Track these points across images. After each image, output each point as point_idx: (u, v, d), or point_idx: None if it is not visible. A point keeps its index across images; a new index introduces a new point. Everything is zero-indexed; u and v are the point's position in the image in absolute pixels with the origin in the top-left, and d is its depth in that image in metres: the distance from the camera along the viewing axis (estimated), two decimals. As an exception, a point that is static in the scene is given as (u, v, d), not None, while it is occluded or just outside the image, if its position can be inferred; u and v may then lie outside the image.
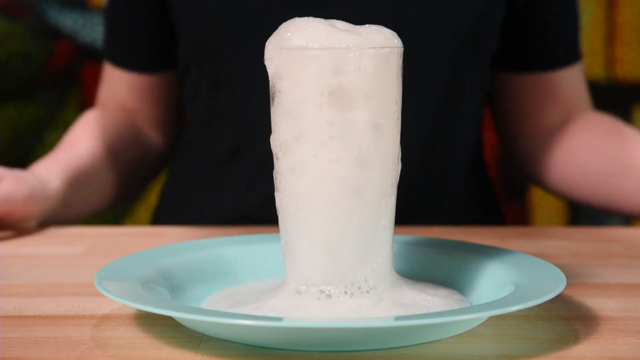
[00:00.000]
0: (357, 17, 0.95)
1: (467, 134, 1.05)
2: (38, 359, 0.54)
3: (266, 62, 0.59)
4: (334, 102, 0.57)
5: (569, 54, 1.07)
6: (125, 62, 1.10)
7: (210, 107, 1.03)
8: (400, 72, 0.60)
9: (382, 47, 0.58)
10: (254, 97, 0.99)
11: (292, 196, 0.59)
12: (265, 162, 1.01)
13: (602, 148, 1.02)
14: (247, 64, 0.98)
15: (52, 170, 0.96)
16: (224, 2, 0.98)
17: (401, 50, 0.59)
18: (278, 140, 0.60)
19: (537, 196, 1.66)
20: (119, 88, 1.11)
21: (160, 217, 1.12)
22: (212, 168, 1.05)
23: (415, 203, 1.01)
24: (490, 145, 1.64)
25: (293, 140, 0.58)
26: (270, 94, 0.59)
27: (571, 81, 1.07)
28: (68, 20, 1.60)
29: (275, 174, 0.61)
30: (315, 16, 0.94)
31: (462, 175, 1.06)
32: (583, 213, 1.63)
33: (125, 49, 1.10)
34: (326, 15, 0.95)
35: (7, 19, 1.61)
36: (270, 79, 0.59)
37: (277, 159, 0.60)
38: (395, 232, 0.63)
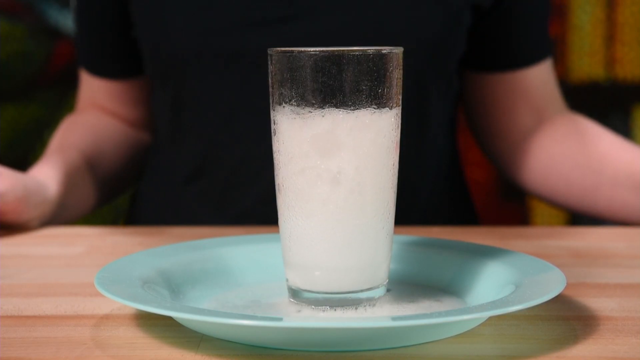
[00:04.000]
0: (318, 36, 0.95)
1: (437, 141, 1.04)
2: (38, 359, 0.54)
3: None
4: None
5: (538, 51, 1.06)
6: (98, 70, 1.10)
7: (173, 124, 1.03)
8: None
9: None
10: (215, 116, 0.99)
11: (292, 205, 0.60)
12: (229, 183, 1.01)
13: (582, 159, 1.02)
14: (208, 84, 0.98)
15: (49, 173, 0.96)
16: (183, 22, 0.97)
17: None
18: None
19: (537, 196, 1.66)
20: (97, 93, 1.11)
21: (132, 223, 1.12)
22: (176, 185, 1.05)
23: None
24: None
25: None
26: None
27: (541, 79, 1.06)
28: (68, 20, 1.60)
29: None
30: (278, 34, 0.94)
31: (436, 184, 1.05)
32: (583, 213, 1.63)
33: (96, 57, 1.10)
34: (287, 35, 0.95)
35: (7, 19, 1.61)
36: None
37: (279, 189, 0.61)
38: (395, 232, 0.63)
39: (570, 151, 1.03)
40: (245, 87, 0.97)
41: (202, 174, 1.02)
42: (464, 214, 1.11)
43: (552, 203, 1.07)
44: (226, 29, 0.96)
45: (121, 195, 1.17)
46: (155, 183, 1.08)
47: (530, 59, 1.05)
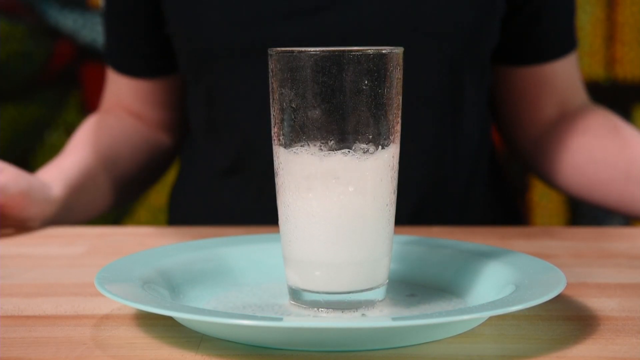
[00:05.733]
0: (352, 25, 0.95)
1: (472, 133, 1.04)
2: (38, 359, 0.54)
3: None
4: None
5: (565, 44, 1.06)
6: (126, 68, 1.10)
7: (207, 119, 1.03)
8: None
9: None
10: (249, 109, 0.99)
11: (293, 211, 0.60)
12: (266, 176, 1.01)
13: (600, 154, 1.02)
14: (241, 77, 0.98)
15: (54, 175, 0.96)
16: (216, 16, 0.97)
17: None
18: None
19: (537, 196, 1.66)
20: (123, 93, 1.11)
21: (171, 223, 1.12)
22: (213, 179, 1.05)
23: (428, 207, 1.01)
24: (490, 145, 1.64)
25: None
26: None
27: (567, 71, 1.07)
28: (68, 20, 1.60)
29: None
30: (311, 24, 0.94)
31: (472, 178, 1.05)
32: (583, 213, 1.63)
33: (125, 56, 1.10)
34: (320, 26, 0.95)
35: (7, 19, 1.61)
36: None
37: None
38: (395, 232, 0.63)
39: (589, 145, 1.03)
40: None
41: (238, 168, 1.02)
42: (504, 212, 1.11)
43: (571, 195, 1.07)
44: (258, 21, 0.96)
45: (139, 198, 1.16)
46: (192, 179, 1.08)
47: (557, 53, 1.06)
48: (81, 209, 1.00)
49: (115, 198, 1.08)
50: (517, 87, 1.07)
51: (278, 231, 0.63)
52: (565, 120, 1.06)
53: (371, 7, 0.95)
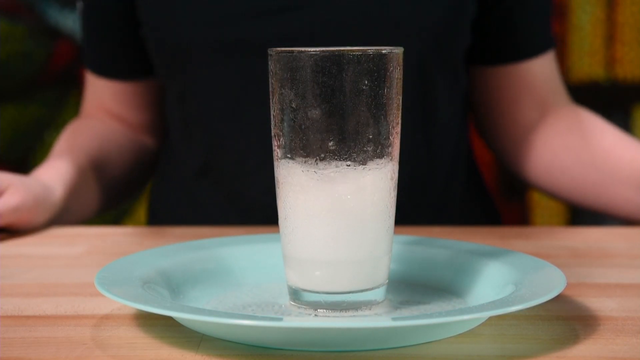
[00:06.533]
0: (321, 24, 0.95)
1: (448, 134, 1.04)
2: (38, 359, 0.54)
3: None
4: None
5: (542, 43, 1.06)
6: (105, 71, 1.10)
7: (180, 119, 1.03)
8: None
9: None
10: (220, 108, 0.99)
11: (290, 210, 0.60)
12: (237, 174, 1.01)
13: (585, 155, 1.02)
14: (212, 75, 0.98)
15: (55, 177, 0.96)
16: (188, 14, 0.97)
17: None
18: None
19: (537, 196, 1.66)
20: (103, 96, 1.11)
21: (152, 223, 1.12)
22: (187, 179, 1.05)
23: (404, 207, 1.01)
24: (490, 145, 1.64)
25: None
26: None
27: (545, 71, 1.06)
28: (68, 20, 1.60)
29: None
30: (282, 23, 0.95)
31: (448, 178, 1.05)
32: (583, 213, 1.63)
33: (104, 59, 1.10)
34: (290, 24, 0.96)
35: (7, 19, 1.61)
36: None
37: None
38: (395, 232, 0.63)
39: (574, 146, 1.03)
40: (249, 77, 0.97)
41: (210, 166, 1.02)
42: (482, 212, 1.11)
43: (555, 197, 1.07)
44: (230, 19, 0.96)
45: (127, 201, 1.17)
46: (168, 180, 1.08)
47: (533, 51, 1.05)
48: (75, 211, 1.01)
49: (105, 200, 1.08)
50: (496, 88, 1.07)
51: (278, 231, 0.63)
52: (547, 121, 1.06)
53: (340, 7, 0.96)
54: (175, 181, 1.07)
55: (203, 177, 1.03)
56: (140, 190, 1.19)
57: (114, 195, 1.11)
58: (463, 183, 1.08)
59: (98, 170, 1.06)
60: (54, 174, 0.97)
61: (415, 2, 0.96)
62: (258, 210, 0.99)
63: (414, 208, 1.01)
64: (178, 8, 0.98)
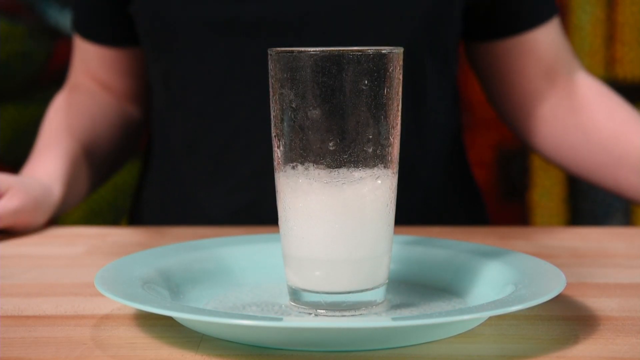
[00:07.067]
0: (310, 7, 0.95)
1: (437, 119, 1.04)
2: (38, 359, 0.54)
3: None
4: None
5: (543, 11, 1.05)
6: (94, 36, 1.10)
7: (165, 97, 1.03)
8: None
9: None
10: (207, 88, 0.99)
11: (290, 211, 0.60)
12: (222, 156, 1.01)
13: (595, 136, 1.02)
14: (199, 54, 0.98)
15: (53, 174, 0.96)
16: None
17: None
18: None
19: (537, 196, 1.66)
20: (91, 61, 1.11)
21: (139, 210, 1.12)
22: (174, 161, 1.05)
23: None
24: (489, 145, 1.64)
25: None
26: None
27: (549, 40, 1.06)
28: (68, 20, 1.60)
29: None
30: (271, 4, 0.94)
31: (437, 163, 1.05)
32: (583, 213, 1.63)
33: (93, 24, 1.09)
34: (278, 7, 0.95)
35: (7, 19, 1.61)
36: None
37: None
38: (395, 232, 0.63)
39: (584, 126, 1.03)
40: (237, 58, 0.97)
41: (193, 149, 1.02)
42: (470, 205, 1.11)
43: (563, 170, 1.08)
44: (216, 1, 0.96)
45: (112, 175, 1.17)
46: (156, 161, 1.08)
47: (535, 20, 1.05)
48: (70, 201, 1.01)
49: (95, 181, 1.08)
50: (502, 61, 1.07)
51: (278, 231, 0.63)
52: (559, 94, 1.05)
53: None
54: (162, 164, 1.07)
55: (187, 158, 1.03)
56: (125, 162, 1.19)
57: (103, 174, 1.11)
58: (453, 177, 1.08)
59: (90, 155, 1.06)
60: (52, 171, 0.97)
61: None
62: (244, 191, 0.99)
63: (402, 191, 1.01)
64: None
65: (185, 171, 1.04)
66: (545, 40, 1.05)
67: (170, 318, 0.59)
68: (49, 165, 0.98)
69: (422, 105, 1.02)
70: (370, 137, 0.59)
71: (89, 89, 1.11)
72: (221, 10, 0.96)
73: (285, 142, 0.60)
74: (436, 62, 1.02)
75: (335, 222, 0.59)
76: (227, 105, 0.99)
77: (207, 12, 0.97)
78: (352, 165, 0.59)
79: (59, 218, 1.00)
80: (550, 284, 0.58)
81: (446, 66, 1.04)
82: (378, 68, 0.58)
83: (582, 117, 1.04)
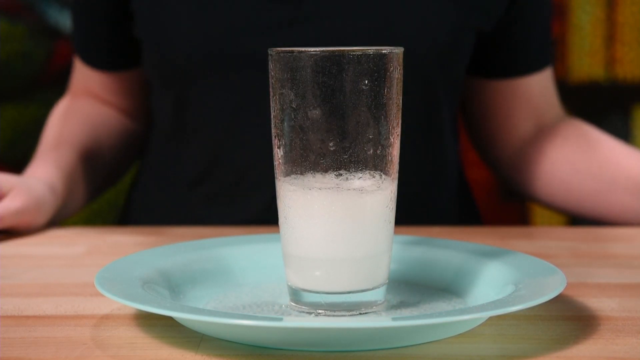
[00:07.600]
0: (325, 40, 0.95)
1: (447, 153, 1.05)
2: (38, 359, 0.54)
3: None
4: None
5: (541, 59, 1.07)
6: (91, 61, 1.10)
7: (176, 125, 1.02)
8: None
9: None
10: (221, 120, 0.98)
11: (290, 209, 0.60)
12: (236, 188, 1.00)
13: (582, 165, 1.02)
14: (213, 87, 0.97)
15: (55, 177, 0.96)
16: (190, 27, 0.96)
17: None
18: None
19: (537, 196, 1.66)
20: (89, 82, 1.11)
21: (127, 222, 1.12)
22: (179, 189, 1.04)
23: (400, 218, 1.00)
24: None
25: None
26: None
27: (542, 86, 1.07)
28: (68, 20, 1.60)
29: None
30: (285, 38, 0.94)
31: (445, 194, 1.05)
32: (583, 213, 1.63)
33: (91, 50, 1.09)
34: (293, 40, 0.95)
35: (7, 19, 1.61)
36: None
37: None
38: (395, 232, 0.63)
39: (571, 157, 1.03)
40: (250, 91, 0.97)
41: (207, 178, 1.01)
42: (468, 218, 1.11)
43: (553, 208, 1.08)
44: (232, 33, 0.95)
45: (111, 187, 1.16)
46: (155, 186, 1.08)
47: (532, 67, 1.06)
48: (69, 207, 1.01)
49: (92, 191, 1.08)
50: (492, 101, 1.08)
51: (278, 231, 0.63)
52: (542, 133, 1.06)
53: (345, 24, 0.95)
54: (163, 189, 1.06)
55: (197, 188, 1.02)
56: (123, 175, 1.18)
57: (102, 183, 1.11)
58: (456, 196, 1.08)
59: (89, 163, 1.05)
60: (54, 174, 0.97)
61: (421, 22, 0.96)
62: (258, 223, 0.98)
63: (414, 220, 1.01)
64: (179, 20, 0.97)
65: (195, 202, 1.03)
66: (538, 86, 1.07)
67: (170, 318, 0.59)
68: (50, 171, 0.98)
69: (437, 132, 1.02)
70: (371, 137, 0.59)
71: (89, 100, 1.11)
72: (234, 45, 0.95)
73: (285, 142, 0.60)
74: (449, 93, 1.02)
75: (335, 222, 0.59)
76: (242, 137, 0.99)
77: (219, 47, 0.95)
78: (353, 165, 0.59)
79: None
80: (550, 284, 0.58)
81: (456, 95, 1.04)
82: (378, 68, 0.58)
83: (568, 150, 1.04)
